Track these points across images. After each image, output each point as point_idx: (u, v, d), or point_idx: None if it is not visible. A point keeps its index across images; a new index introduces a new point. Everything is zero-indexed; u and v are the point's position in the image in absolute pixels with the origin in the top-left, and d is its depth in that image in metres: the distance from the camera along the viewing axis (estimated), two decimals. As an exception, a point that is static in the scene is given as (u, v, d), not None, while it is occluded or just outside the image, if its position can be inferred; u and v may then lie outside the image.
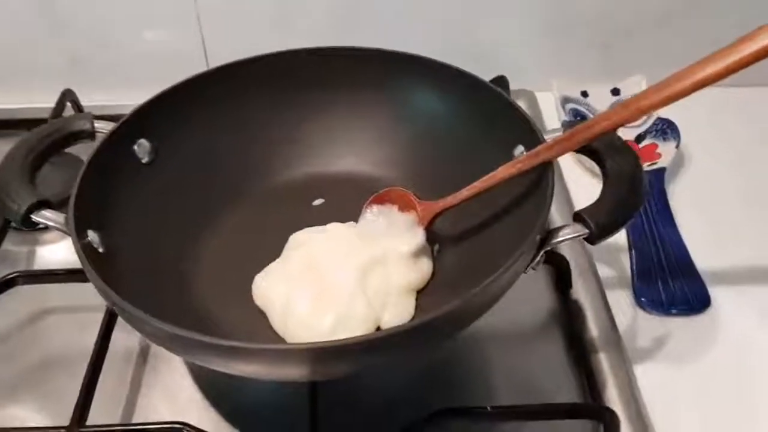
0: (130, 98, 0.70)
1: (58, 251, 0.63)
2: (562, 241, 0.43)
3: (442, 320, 0.40)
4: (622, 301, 0.57)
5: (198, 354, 0.41)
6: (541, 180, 0.47)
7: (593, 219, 0.42)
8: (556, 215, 0.62)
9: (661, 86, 0.42)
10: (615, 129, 0.45)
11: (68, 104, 0.74)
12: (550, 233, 0.43)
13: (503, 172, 0.48)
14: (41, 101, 0.74)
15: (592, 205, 0.43)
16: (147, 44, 0.77)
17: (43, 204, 0.47)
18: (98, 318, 0.54)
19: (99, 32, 0.76)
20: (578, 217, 0.43)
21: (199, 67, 0.75)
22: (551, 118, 0.74)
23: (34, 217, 0.46)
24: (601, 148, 0.46)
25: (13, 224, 0.61)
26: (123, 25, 0.76)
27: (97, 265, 0.43)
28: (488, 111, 0.53)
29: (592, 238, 0.42)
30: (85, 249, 0.44)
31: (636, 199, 0.44)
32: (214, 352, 0.39)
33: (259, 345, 0.39)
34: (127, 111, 0.55)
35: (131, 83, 0.77)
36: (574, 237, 0.43)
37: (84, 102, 0.76)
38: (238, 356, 0.39)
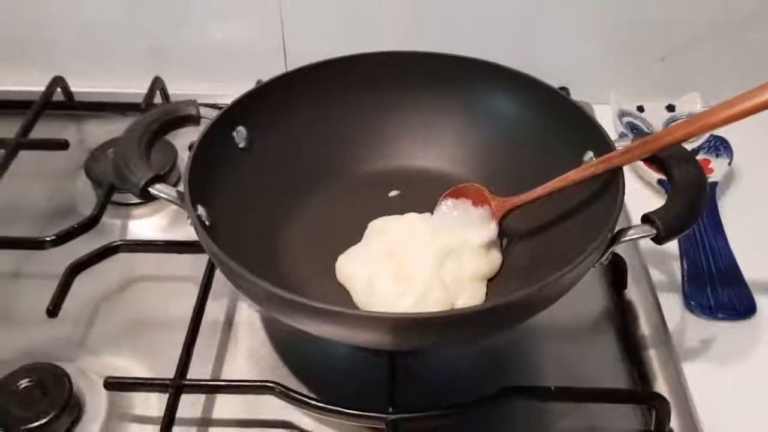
0: (210, 89, 0.76)
1: (147, 225, 0.69)
2: (630, 239, 0.47)
3: (515, 305, 0.44)
4: (672, 304, 0.60)
5: (297, 316, 0.45)
6: (611, 183, 0.51)
7: (662, 221, 0.46)
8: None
9: (727, 105, 0.45)
10: (682, 141, 0.49)
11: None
12: (619, 232, 0.47)
13: (576, 174, 0.52)
14: (124, 87, 0.80)
15: (660, 209, 0.47)
16: (229, 38, 0.82)
17: (158, 178, 0.51)
18: (184, 287, 0.60)
19: (183, 24, 0.81)
20: (647, 218, 0.47)
21: (277, 65, 0.82)
22: (608, 130, 0.77)
23: (151, 190, 0.51)
24: (668, 158, 0.50)
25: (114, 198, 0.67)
26: (207, 18, 0.80)
27: (208, 236, 0.48)
28: (561, 118, 0.58)
29: (659, 239, 0.46)
30: (198, 220, 0.49)
31: (700, 205, 0.48)
32: (315, 315, 0.43)
33: (358, 311, 0.44)
34: (207, 101, 0.60)
35: (212, 74, 0.83)
36: (642, 237, 0.47)
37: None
38: (338, 320, 0.43)
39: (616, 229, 0.48)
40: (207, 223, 0.52)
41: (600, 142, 0.54)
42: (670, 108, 0.78)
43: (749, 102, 0.44)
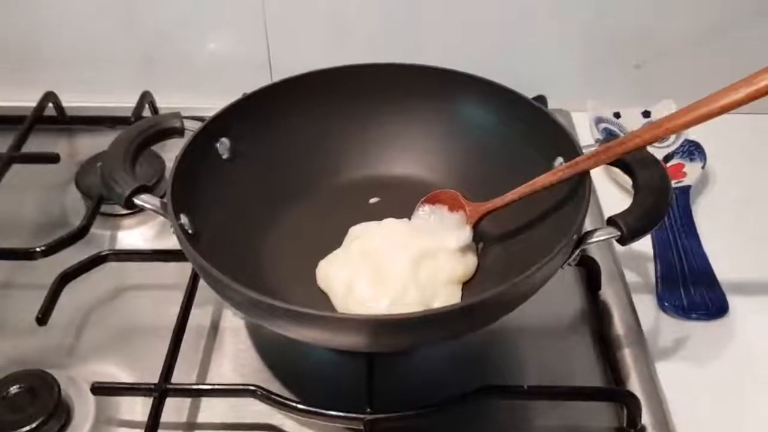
0: (198, 102, 0.78)
1: (135, 235, 0.70)
2: (596, 241, 0.49)
3: (488, 303, 0.46)
4: (646, 305, 0.62)
5: (276, 320, 0.47)
6: (579, 187, 0.53)
7: (625, 223, 0.48)
8: (587, 221, 0.66)
9: (689, 109, 0.47)
10: (646, 145, 0.51)
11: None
12: (586, 234, 0.49)
13: (545, 179, 0.54)
14: (113, 101, 0.82)
15: (624, 212, 0.49)
16: (216, 52, 0.84)
17: (142, 189, 0.53)
18: (171, 295, 0.61)
19: (171, 40, 0.83)
20: (611, 221, 0.49)
21: (263, 77, 0.84)
22: (585, 136, 0.79)
23: (135, 200, 0.53)
24: (633, 162, 0.52)
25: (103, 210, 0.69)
26: (194, 33, 0.83)
27: (190, 244, 0.50)
28: (533, 126, 0.60)
29: (623, 240, 0.48)
30: (181, 229, 0.51)
31: (663, 207, 0.49)
32: (293, 319, 0.45)
33: (335, 314, 0.46)
34: (195, 113, 0.62)
35: (200, 87, 0.85)
36: (607, 238, 0.48)
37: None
38: (316, 323, 0.45)
39: (585, 230, 0.50)
40: (190, 231, 0.53)
41: (569, 147, 0.55)
42: (646, 114, 0.80)
43: (709, 107, 0.46)
